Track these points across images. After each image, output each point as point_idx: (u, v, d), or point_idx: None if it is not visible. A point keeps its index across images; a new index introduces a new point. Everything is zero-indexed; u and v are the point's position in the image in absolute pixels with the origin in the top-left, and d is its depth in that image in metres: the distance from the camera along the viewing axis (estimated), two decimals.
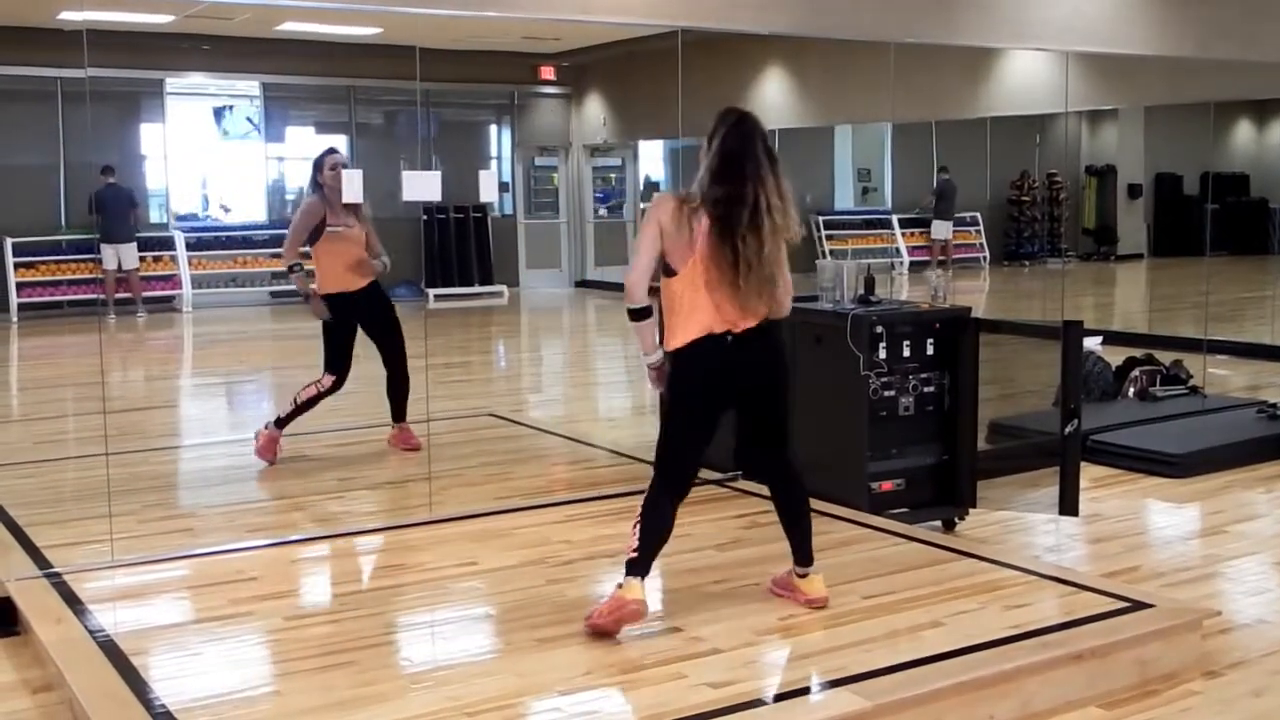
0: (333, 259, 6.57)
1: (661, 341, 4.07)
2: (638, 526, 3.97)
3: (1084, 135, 17.47)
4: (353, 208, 6.59)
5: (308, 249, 6.63)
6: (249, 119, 16.33)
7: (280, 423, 6.61)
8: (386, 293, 6.86)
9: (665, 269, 3.96)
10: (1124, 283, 17.31)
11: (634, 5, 6.13)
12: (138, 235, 14.61)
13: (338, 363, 6.62)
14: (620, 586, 3.90)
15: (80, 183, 14.53)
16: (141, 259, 14.75)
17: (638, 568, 3.91)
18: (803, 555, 4.19)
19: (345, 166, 6.55)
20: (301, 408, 6.61)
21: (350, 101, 16.74)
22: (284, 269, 6.67)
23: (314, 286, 6.63)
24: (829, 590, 4.16)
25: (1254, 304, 13.21)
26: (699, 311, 3.92)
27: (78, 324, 13.66)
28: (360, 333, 6.68)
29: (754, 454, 4.27)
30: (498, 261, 17.38)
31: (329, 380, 6.60)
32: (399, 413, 6.90)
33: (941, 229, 15.76)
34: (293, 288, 6.77)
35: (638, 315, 3.99)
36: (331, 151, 6.71)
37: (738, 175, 3.87)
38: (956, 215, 16.10)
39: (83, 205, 14.65)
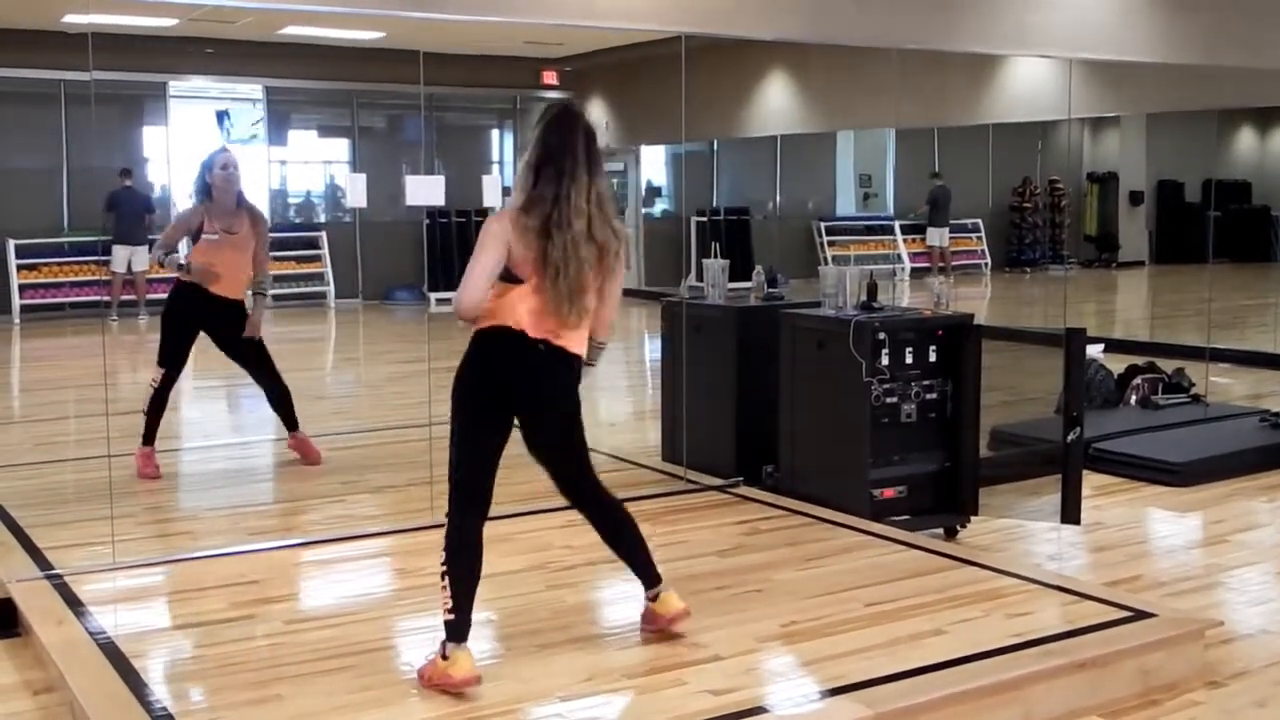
0: (207, 262, 6.24)
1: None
2: (445, 576, 3.59)
3: (1086, 142, 17.47)
4: (245, 212, 6.35)
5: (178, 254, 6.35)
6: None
7: (147, 439, 6.38)
8: (244, 308, 6.44)
9: (508, 276, 3.62)
10: (1125, 290, 17.30)
11: (638, 10, 6.12)
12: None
13: (172, 358, 6.37)
14: (444, 658, 3.55)
15: (83, 185, 14.52)
16: None
17: (458, 630, 3.56)
18: (649, 574, 3.94)
19: (236, 168, 6.34)
20: (151, 414, 6.37)
21: (353, 106, 16.75)
22: (158, 267, 6.18)
23: (183, 261, 6.27)
24: (832, 595, 4.15)
25: (1256, 312, 13.20)
26: (530, 314, 3.61)
27: (80, 326, 13.66)
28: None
29: (566, 490, 3.96)
30: None
31: (160, 374, 6.36)
32: (290, 422, 6.62)
33: (936, 236, 15.77)
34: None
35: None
36: (223, 151, 6.48)
37: (555, 172, 3.60)
38: (958, 221, 16.12)
39: (86, 207, 14.63)
